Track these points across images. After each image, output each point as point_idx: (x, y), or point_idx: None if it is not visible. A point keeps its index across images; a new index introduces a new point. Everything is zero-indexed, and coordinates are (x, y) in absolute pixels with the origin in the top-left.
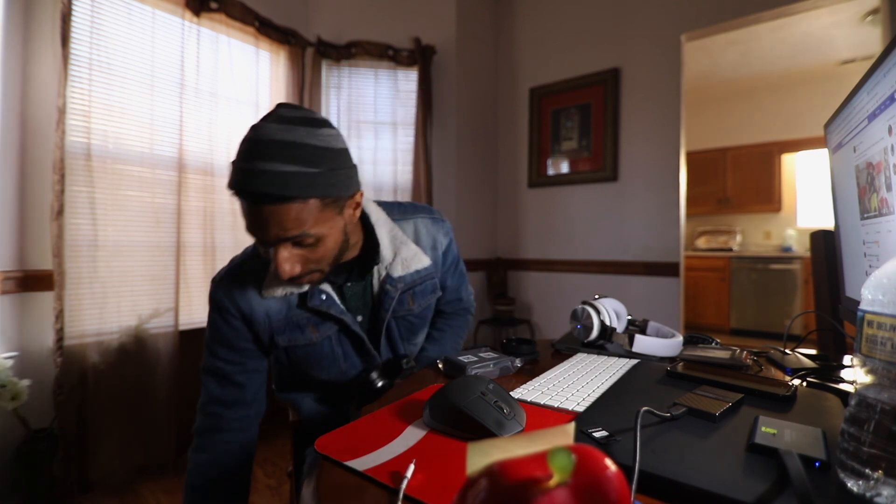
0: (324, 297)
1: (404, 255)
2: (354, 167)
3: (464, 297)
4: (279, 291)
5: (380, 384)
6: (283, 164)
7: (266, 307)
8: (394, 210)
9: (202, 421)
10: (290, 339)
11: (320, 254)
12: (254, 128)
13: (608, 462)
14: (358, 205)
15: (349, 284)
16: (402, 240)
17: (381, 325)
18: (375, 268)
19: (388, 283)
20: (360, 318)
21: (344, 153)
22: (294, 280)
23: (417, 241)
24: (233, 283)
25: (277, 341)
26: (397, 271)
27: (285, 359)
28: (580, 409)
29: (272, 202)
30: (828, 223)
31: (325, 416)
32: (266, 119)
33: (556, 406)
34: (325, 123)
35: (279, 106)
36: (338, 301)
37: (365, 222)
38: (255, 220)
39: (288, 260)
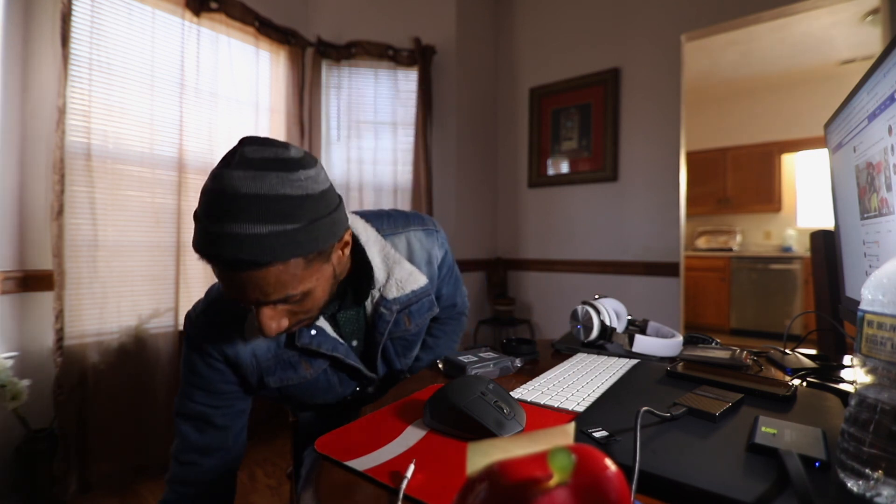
0: (314, 332)
1: (398, 275)
2: (339, 205)
3: (458, 303)
4: None
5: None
6: (256, 225)
7: (252, 348)
8: (383, 223)
9: (177, 470)
10: (281, 380)
11: (309, 306)
12: (216, 177)
13: (608, 462)
14: (347, 244)
15: (340, 316)
16: (395, 259)
17: (377, 347)
18: (370, 296)
19: (383, 306)
20: (354, 343)
21: (326, 195)
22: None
23: (411, 258)
24: (212, 322)
25: (268, 382)
26: (392, 293)
27: (276, 395)
28: (580, 409)
29: (247, 268)
30: (828, 223)
31: (323, 423)
32: (228, 164)
33: (556, 406)
34: (301, 163)
35: (243, 143)
36: (331, 333)
37: (354, 243)
38: (230, 286)
39: (273, 318)
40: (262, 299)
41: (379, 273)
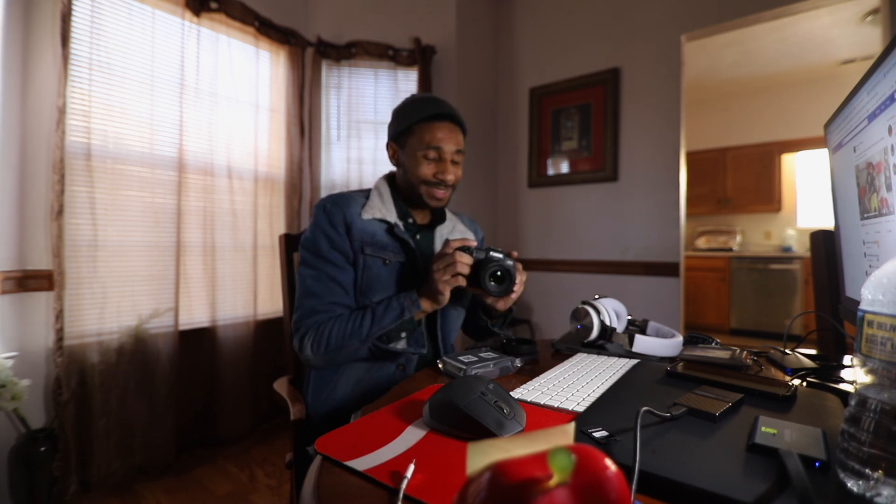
0: (403, 228)
1: (459, 227)
2: None
3: None
4: (377, 213)
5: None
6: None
7: (363, 224)
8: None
9: (321, 323)
10: (373, 251)
11: (459, 173)
12: (413, 96)
13: (608, 462)
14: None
15: (418, 237)
16: (457, 217)
17: None
18: (438, 230)
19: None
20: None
21: None
22: (441, 183)
23: (463, 224)
24: (339, 200)
25: (365, 250)
26: (455, 236)
27: (360, 277)
28: (580, 409)
29: (455, 122)
30: (828, 223)
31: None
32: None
33: (556, 406)
34: None
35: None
36: (411, 242)
37: None
38: (440, 134)
39: (451, 171)
40: (453, 148)
41: (448, 218)
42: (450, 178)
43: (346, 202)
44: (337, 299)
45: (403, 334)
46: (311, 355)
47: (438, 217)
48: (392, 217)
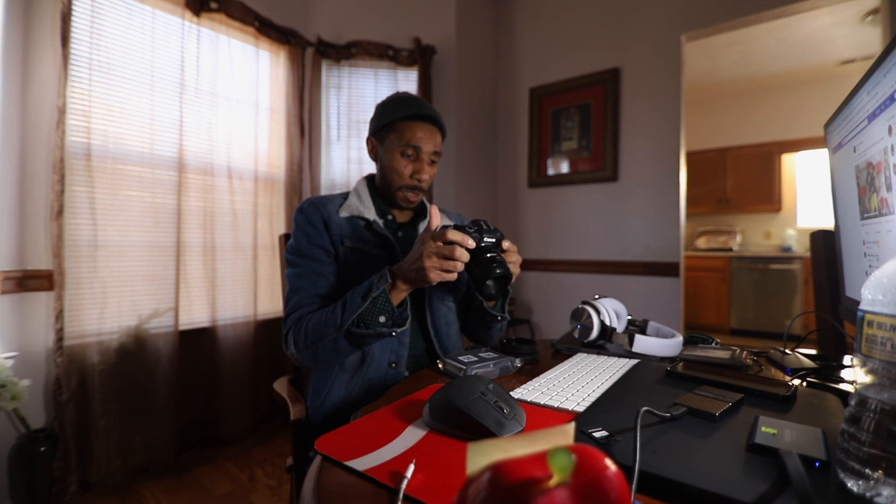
0: (383, 225)
1: (444, 221)
2: None
3: None
4: (355, 211)
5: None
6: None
7: (341, 220)
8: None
9: (301, 313)
10: (353, 243)
11: (432, 173)
12: (397, 94)
13: (608, 462)
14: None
15: (400, 234)
16: (443, 214)
17: None
18: (420, 225)
19: None
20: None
21: None
22: (416, 188)
23: (450, 219)
24: (316, 201)
25: (345, 242)
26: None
27: (342, 270)
28: (580, 409)
29: (435, 123)
30: (828, 223)
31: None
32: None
33: (556, 406)
34: None
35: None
36: (391, 238)
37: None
38: (419, 134)
39: (426, 171)
40: (431, 148)
41: (431, 213)
42: (425, 177)
43: (323, 202)
44: (320, 291)
45: (382, 318)
46: (297, 352)
47: (420, 213)
48: (371, 214)
